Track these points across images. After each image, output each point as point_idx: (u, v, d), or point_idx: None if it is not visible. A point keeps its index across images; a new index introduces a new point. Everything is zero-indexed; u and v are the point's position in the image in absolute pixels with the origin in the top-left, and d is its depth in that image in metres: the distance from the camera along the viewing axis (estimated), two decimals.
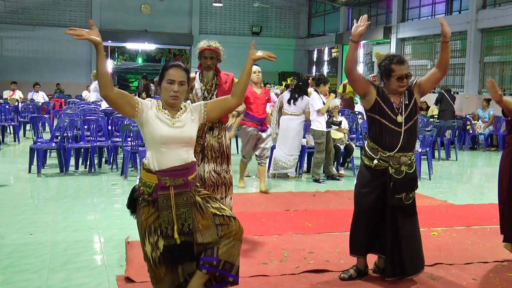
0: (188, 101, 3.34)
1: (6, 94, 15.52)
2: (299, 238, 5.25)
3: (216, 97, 4.79)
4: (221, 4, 25.19)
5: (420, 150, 8.91)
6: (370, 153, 4.06)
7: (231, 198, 4.97)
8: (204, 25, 26.50)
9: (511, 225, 4.69)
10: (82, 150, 8.99)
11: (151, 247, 3.05)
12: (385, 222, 4.06)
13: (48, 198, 6.90)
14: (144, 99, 3.16)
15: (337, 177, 8.59)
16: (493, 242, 5.16)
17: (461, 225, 5.93)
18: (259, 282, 4.06)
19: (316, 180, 8.29)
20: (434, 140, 10.48)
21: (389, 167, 3.99)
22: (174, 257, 3.05)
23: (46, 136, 10.37)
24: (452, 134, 11.95)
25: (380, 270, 4.25)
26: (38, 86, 17.04)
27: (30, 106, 14.79)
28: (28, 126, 14.11)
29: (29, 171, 8.38)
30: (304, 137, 8.72)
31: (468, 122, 13.41)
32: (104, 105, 11.90)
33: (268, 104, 8.15)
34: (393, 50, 20.95)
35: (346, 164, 9.29)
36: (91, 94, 15.70)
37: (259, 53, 3.34)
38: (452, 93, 14.23)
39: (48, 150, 9.38)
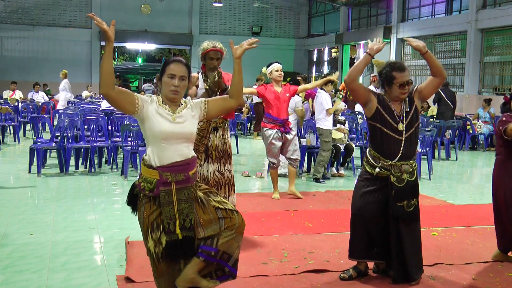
0: (188, 98, 3.34)
1: (6, 94, 15.52)
2: (299, 238, 5.25)
3: None
4: (221, 4, 25.19)
5: (420, 150, 8.91)
6: (372, 161, 4.07)
7: (234, 196, 4.99)
8: (204, 25, 26.51)
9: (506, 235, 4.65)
10: (82, 150, 8.99)
11: (154, 243, 3.06)
12: (389, 231, 4.07)
13: (48, 198, 6.90)
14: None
15: (328, 177, 8.62)
16: (493, 242, 5.15)
17: (461, 225, 5.93)
18: (259, 282, 4.06)
19: (317, 179, 8.28)
20: (434, 140, 10.48)
21: (391, 176, 4.00)
22: (176, 252, 3.06)
23: (46, 136, 10.37)
24: (452, 134, 11.95)
25: (380, 270, 4.25)
26: (38, 86, 17.06)
27: (30, 106, 14.80)
28: (28, 126, 14.11)
29: (29, 171, 8.38)
30: (304, 137, 8.72)
31: (468, 122, 13.40)
32: (104, 105, 11.89)
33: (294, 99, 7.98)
34: (393, 50, 20.97)
35: (346, 164, 9.30)
36: (60, 94, 15.24)
37: (240, 49, 3.29)
38: (449, 87, 13.99)
39: (48, 150, 9.38)
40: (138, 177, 3.16)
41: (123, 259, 4.52)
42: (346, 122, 9.41)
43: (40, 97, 16.43)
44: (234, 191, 4.99)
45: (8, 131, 13.71)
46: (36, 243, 4.93)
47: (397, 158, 3.99)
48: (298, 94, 8.21)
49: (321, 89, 8.33)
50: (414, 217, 4.07)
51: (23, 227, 5.44)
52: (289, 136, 7.00)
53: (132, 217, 3.25)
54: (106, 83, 2.95)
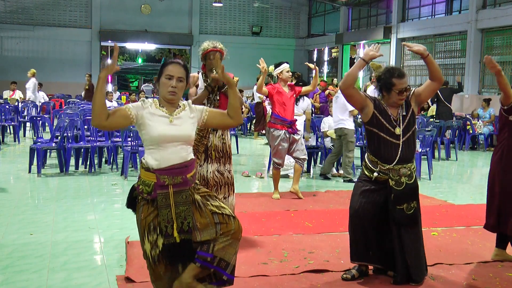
0: (189, 101, 3.34)
1: (6, 94, 15.52)
2: (299, 238, 5.25)
3: (220, 98, 4.87)
4: (221, 4, 25.17)
5: (420, 150, 8.91)
6: (370, 166, 4.09)
7: (233, 197, 4.99)
8: (204, 25, 26.49)
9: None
10: (82, 150, 8.99)
11: (150, 245, 3.05)
12: (386, 235, 4.07)
13: (48, 198, 6.90)
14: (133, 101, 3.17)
15: (328, 177, 8.63)
16: (493, 242, 5.14)
17: (461, 225, 5.93)
18: (259, 282, 4.06)
19: (350, 181, 8.16)
20: (434, 140, 10.48)
21: (389, 179, 4.00)
22: (174, 255, 3.05)
23: (46, 136, 10.37)
24: (452, 134, 11.95)
25: (380, 270, 4.25)
26: (39, 86, 17.05)
27: (30, 106, 14.80)
28: (28, 126, 14.11)
29: (29, 171, 8.38)
30: (303, 137, 8.70)
31: (468, 122, 13.40)
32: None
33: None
34: (393, 50, 20.97)
35: None
36: (27, 93, 15.26)
37: (219, 71, 3.29)
38: (448, 86, 13.93)
39: (48, 150, 9.38)
40: (137, 179, 3.16)
41: (123, 259, 4.52)
42: None
43: (40, 97, 16.43)
44: (233, 191, 5.00)
45: (8, 131, 13.70)
46: (36, 243, 4.93)
47: (395, 162, 4.00)
48: (303, 96, 8.23)
49: None
50: (415, 220, 4.06)
51: (23, 227, 5.44)
52: (296, 137, 7.01)
53: (132, 217, 3.25)
54: (99, 115, 2.95)
